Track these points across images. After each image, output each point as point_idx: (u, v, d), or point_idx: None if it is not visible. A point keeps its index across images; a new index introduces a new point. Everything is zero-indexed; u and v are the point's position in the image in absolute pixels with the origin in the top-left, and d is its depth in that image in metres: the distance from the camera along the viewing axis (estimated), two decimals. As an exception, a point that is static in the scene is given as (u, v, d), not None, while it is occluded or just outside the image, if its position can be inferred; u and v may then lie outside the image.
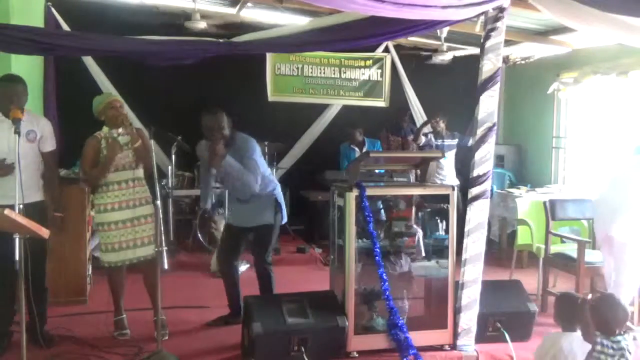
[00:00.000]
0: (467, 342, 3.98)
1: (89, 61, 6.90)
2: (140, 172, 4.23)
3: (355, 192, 3.87)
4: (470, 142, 4.64)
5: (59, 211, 4.02)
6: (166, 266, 3.65)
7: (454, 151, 6.86)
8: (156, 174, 3.85)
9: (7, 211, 2.87)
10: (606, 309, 2.91)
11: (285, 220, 4.66)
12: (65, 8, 6.41)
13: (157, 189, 3.80)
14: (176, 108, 7.24)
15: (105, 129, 4.18)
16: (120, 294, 4.31)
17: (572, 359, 3.01)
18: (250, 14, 7.10)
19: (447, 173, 6.72)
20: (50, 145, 4.00)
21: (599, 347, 2.83)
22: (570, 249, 5.08)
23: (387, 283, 3.80)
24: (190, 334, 4.35)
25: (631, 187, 4.34)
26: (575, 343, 3.06)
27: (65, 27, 6.38)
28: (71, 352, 3.92)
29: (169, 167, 6.57)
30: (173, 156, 6.66)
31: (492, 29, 3.86)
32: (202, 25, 6.69)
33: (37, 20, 6.01)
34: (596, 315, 2.93)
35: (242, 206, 4.50)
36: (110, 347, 4.00)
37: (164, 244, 3.66)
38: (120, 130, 4.15)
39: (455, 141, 6.84)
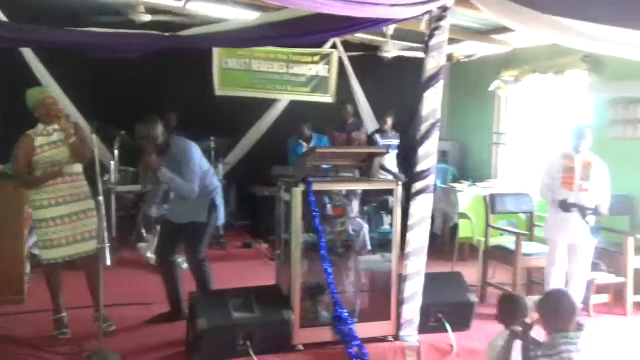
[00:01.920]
0: (410, 332, 4.07)
1: (27, 53, 6.66)
2: (78, 167, 4.16)
3: (301, 187, 3.90)
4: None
5: None
6: (109, 263, 3.61)
7: (396, 150, 7.02)
8: (99, 169, 3.78)
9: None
10: (555, 304, 2.90)
11: (222, 221, 4.67)
12: (2, -2, 6.17)
13: (100, 184, 3.74)
14: (121, 102, 7.09)
15: (40, 125, 4.09)
16: (60, 292, 4.21)
17: (516, 356, 3.05)
18: (197, 7, 7.00)
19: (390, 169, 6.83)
20: None
21: (532, 354, 2.85)
22: (509, 242, 5.28)
23: (331, 277, 3.86)
24: (134, 331, 4.28)
25: None
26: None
27: (2, 17, 6.14)
28: (9, 352, 3.81)
29: (112, 163, 6.44)
30: (116, 151, 6.53)
31: (436, 28, 3.95)
32: (146, 18, 6.56)
33: (-29, 10, 5.78)
34: (544, 310, 2.91)
35: (180, 203, 4.49)
36: (51, 346, 3.90)
37: (106, 240, 3.60)
38: (55, 126, 4.07)
39: (397, 141, 7.02)
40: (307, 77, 8.24)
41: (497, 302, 3.33)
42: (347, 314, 3.88)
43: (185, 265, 4.86)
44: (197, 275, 4.46)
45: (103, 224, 3.64)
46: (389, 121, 7.10)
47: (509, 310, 3.19)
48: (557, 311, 2.85)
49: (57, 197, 4.03)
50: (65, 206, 4.05)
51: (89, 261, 4.09)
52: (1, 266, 4.75)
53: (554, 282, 4.66)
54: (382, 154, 6.10)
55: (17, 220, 4.84)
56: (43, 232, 4.04)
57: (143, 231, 6.53)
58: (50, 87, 6.16)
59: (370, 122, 8.24)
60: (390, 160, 6.92)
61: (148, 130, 4.24)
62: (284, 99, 8.18)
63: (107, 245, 3.61)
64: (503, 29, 6.59)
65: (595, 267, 5.04)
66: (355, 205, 4.31)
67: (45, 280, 4.22)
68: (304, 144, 7.42)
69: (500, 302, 3.30)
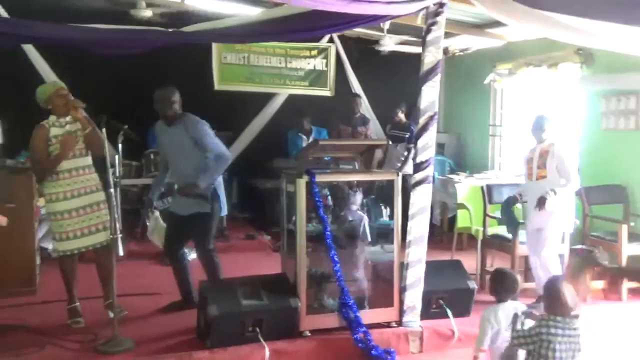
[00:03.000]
0: (413, 318, 4.21)
1: (29, 49, 6.73)
2: (88, 160, 4.28)
3: (305, 179, 4.01)
4: None
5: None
6: (121, 252, 3.73)
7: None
8: (109, 162, 3.90)
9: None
10: (548, 289, 3.07)
11: (225, 212, 4.72)
12: (3, -7, 6.24)
13: (110, 176, 3.85)
14: (122, 97, 7.18)
15: (52, 117, 4.18)
16: (73, 282, 4.32)
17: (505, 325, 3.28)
18: (195, 2, 7.09)
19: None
20: None
21: (514, 334, 3.06)
22: (506, 231, 5.39)
23: (338, 265, 3.98)
24: (145, 320, 4.41)
25: None
26: (507, 312, 3.31)
27: (3, 13, 6.22)
28: (26, 340, 3.92)
29: (116, 157, 6.51)
30: (119, 145, 6.60)
31: (433, 23, 4.06)
32: (147, 13, 6.66)
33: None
34: (542, 294, 3.14)
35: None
36: (66, 334, 4.02)
37: (118, 231, 3.73)
38: (68, 118, 4.16)
39: (407, 134, 7.10)
40: (306, 71, 8.34)
41: (490, 277, 3.59)
42: (353, 301, 4.00)
43: (192, 256, 4.95)
44: (207, 266, 4.56)
45: (115, 215, 3.76)
46: (400, 113, 7.19)
47: (500, 283, 3.43)
48: (550, 296, 3.03)
49: (71, 190, 4.15)
50: (78, 199, 4.16)
51: (100, 252, 4.21)
52: (13, 258, 4.86)
53: (533, 267, 4.85)
54: (380, 147, 6.25)
55: (27, 213, 4.95)
56: (58, 225, 4.14)
57: (148, 223, 6.62)
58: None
59: (367, 115, 8.35)
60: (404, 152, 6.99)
61: (166, 93, 4.38)
62: (283, 93, 8.29)
63: (120, 235, 3.73)
64: (497, 23, 6.67)
65: (590, 254, 5.18)
66: (359, 197, 4.43)
67: (59, 271, 4.32)
68: (304, 137, 7.54)
69: (492, 277, 3.58)
